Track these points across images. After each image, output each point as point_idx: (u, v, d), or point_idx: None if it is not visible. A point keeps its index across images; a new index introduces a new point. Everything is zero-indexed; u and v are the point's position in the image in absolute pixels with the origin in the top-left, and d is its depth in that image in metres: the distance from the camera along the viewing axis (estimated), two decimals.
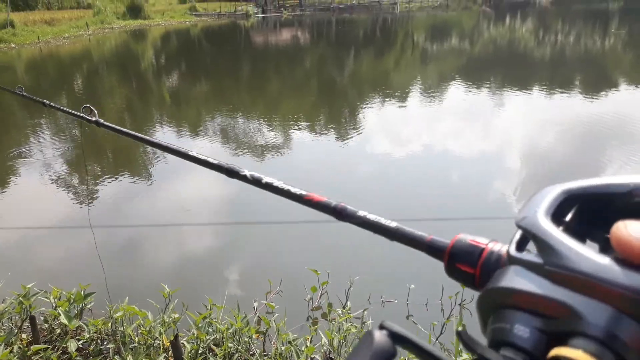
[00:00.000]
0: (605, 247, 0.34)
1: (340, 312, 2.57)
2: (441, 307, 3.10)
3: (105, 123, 1.26)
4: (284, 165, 6.36)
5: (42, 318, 2.69)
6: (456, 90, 10.51)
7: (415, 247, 0.48)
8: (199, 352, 2.32)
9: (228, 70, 15.44)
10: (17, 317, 2.59)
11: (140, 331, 2.40)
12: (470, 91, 10.46)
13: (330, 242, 3.92)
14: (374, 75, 13.98)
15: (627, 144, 6.35)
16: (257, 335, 2.48)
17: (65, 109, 1.55)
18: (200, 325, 2.38)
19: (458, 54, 17.26)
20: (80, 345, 2.40)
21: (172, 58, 18.57)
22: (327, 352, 2.41)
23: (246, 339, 2.41)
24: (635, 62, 13.54)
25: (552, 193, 0.36)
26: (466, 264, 0.40)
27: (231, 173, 0.79)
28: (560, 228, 0.33)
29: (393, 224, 0.51)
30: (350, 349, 2.09)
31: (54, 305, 2.52)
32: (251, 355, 2.38)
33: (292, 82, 13.35)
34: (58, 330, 2.59)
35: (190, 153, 0.90)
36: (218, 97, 11.40)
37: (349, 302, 2.83)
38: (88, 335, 2.49)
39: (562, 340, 0.28)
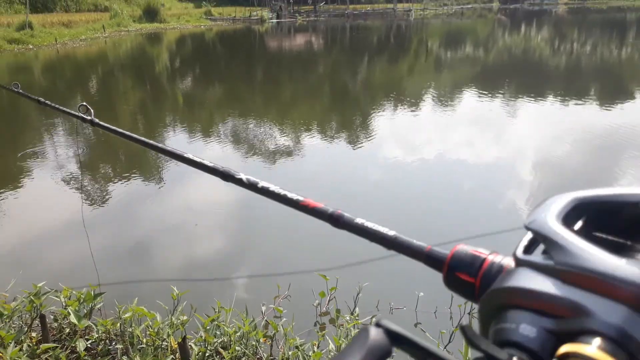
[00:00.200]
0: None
1: (348, 318, 2.56)
2: (450, 316, 3.07)
3: (101, 123, 1.24)
4: (293, 169, 6.36)
5: (52, 317, 2.71)
6: (470, 99, 10.46)
7: (413, 257, 0.47)
8: (207, 354, 2.32)
9: (242, 75, 15.53)
10: (27, 316, 2.61)
11: (148, 332, 2.40)
12: (482, 100, 10.40)
13: (340, 247, 3.91)
14: (387, 82, 13.97)
15: None
16: (265, 339, 2.47)
17: (61, 107, 1.49)
18: (208, 327, 2.38)
19: (472, 62, 17.19)
20: (89, 345, 2.41)
21: (187, 61, 18.72)
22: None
23: (253, 343, 2.41)
24: None
25: (563, 199, 0.36)
26: (466, 274, 0.40)
27: (226, 176, 0.78)
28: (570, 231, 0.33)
29: (391, 233, 0.51)
30: None
31: (64, 304, 2.53)
32: (258, 359, 2.38)
33: (305, 87, 13.39)
34: (67, 330, 2.61)
35: (185, 155, 0.88)
36: (231, 100, 11.45)
37: (357, 308, 2.81)
38: (97, 335, 2.50)
39: (571, 340, 0.28)
